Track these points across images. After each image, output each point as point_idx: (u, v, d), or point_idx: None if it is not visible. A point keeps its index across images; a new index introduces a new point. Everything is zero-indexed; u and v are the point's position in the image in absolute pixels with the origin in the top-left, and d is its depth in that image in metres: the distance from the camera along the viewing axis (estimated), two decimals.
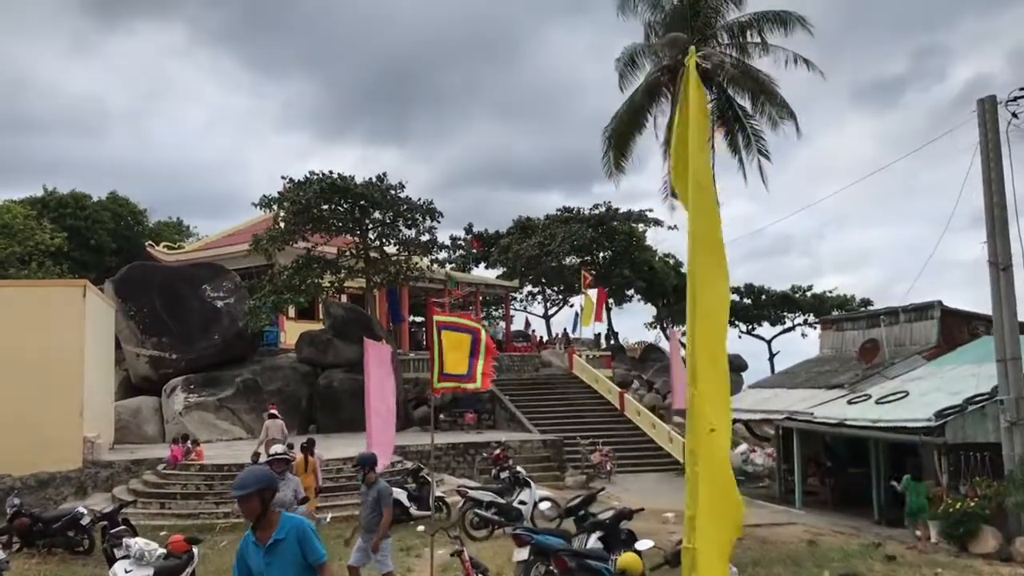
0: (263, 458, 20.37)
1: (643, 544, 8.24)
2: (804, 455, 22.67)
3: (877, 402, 18.81)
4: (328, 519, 17.55)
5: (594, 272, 42.29)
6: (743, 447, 31.36)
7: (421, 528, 16.39)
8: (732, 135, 28.76)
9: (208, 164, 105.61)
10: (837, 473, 22.90)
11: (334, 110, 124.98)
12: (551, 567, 9.06)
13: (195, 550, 9.11)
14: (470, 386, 12.23)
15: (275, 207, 29.88)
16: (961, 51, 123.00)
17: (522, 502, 15.73)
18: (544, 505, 10.26)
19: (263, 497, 5.09)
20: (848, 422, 18.30)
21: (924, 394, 18.08)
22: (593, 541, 9.67)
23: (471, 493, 15.73)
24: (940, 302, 21.63)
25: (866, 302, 50.26)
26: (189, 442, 22.60)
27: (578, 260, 49.26)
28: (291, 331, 37.12)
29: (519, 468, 16.81)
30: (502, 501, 15.65)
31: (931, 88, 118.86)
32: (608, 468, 25.31)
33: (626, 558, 8.12)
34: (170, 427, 29.10)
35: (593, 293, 39.45)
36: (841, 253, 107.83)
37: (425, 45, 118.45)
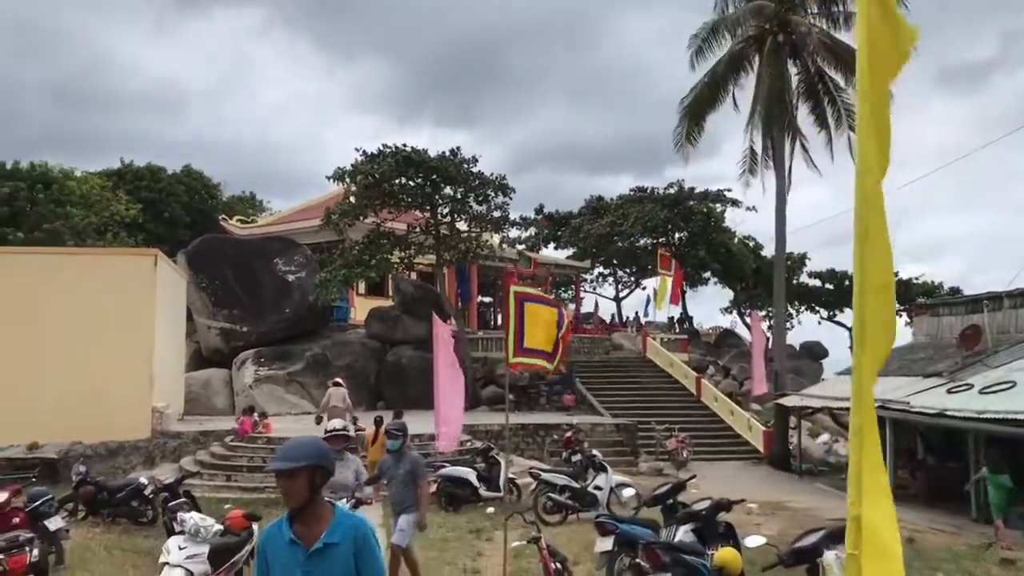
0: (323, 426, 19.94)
1: (753, 540, 7.32)
2: (897, 447, 21.42)
3: (981, 392, 17.45)
4: None
5: (669, 253, 41.04)
6: (824, 436, 30.06)
7: (491, 510, 15.73)
8: (820, 109, 27.33)
9: (283, 143, 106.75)
10: (931, 467, 21.58)
11: (405, 92, 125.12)
12: (637, 559, 8.24)
13: (255, 527, 8.51)
14: (547, 365, 11.40)
15: (348, 180, 29.42)
16: None
17: (597, 487, 14.89)
18: (626, 492, 9.28)
19: (313, 478, 3.73)
20: (949, 412, 16.98)
21: None
22: (683, 533, 8.79)
23: (544, 476, 14.96)
24: None
25: (955, 290, 48.02)
26: (257, 415, 22.32)
27: (651, 241, 48.05)
28: (361, 307, 36.90)
29: (595, 452, 15.96)
30: (577, 485, 14.85)
31: (1019, 72, 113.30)
32: (684, 455, 24.30)
33: (724, 554, 7.26)
34: (240, 400, 29.02)
35: (669, 275, 38.27)
36: (919, 241, 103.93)
37: (496, 28, 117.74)
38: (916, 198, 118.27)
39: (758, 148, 27.54)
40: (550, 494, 14.57)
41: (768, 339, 35.16)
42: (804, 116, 27.62)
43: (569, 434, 21.51)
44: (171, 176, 46.24)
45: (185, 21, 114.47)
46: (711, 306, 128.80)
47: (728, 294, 54.25)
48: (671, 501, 9.25)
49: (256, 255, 33.08)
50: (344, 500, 7.80)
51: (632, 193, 49.28)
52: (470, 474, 16.01)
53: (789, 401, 24.66)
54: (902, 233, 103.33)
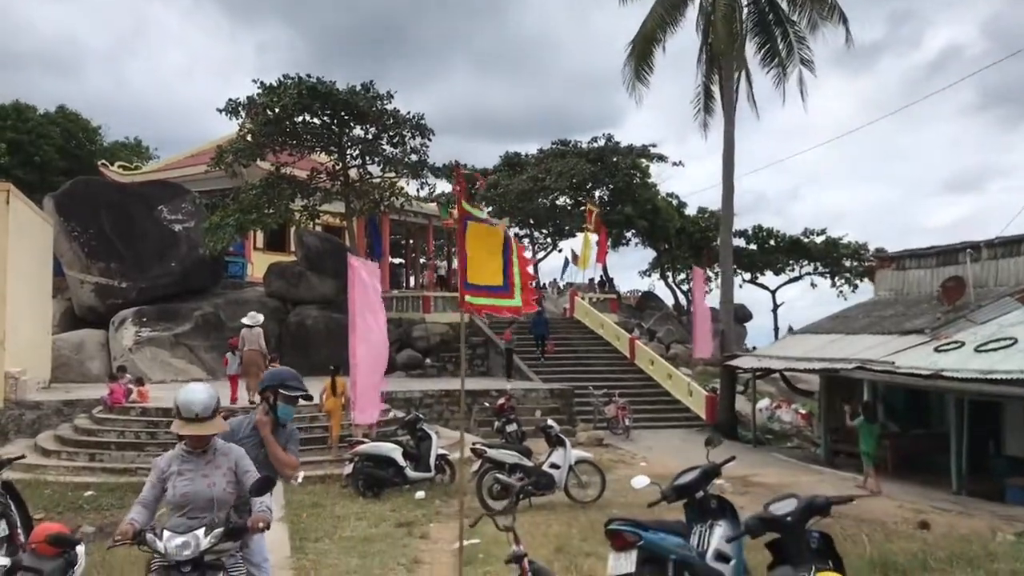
0: (252, 396, 16.64)
1: (639, 481, 6.52)
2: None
3: (977, 350, 15.36)
4: (300, 478, 14.00)
5: (597, 208, 38.34)
6: (765, 401, 28.09)
7: (420, 494, 12.82)
8: (771, 43, 24.89)
9: (182, 105, 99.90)
10: (895, 434, 19.56)
11: (311, 57, 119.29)
12: None
13: (80, 552, 5.43)
14: (508, 304, 8.61)
15: (243, 114, 25.79)
16: (935, 19, 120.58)
17: (554, 465, 12.12)
18: (638, 482, 6.55)
19: None
20: (947, 373, 14.81)
21: None
22: (718, 539, 6.11)
23: (490, 453, 12.06)
24: None
25: (880, 250, 46.62)
26: (130, 379, 18.86)
27: (571, 201, 45.44)
28: (259, 263, 33.38)
29: (550, 421, 13.15)
30: (530, 464, 12.04)
31: (907, 54, 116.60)
32: (626, 423, 21.84)
33: None
34: (118, 364, 25.25)
35: (592, 230, 35.79)
36: (815, 214, 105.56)
37: None
38: (815, 170, 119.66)
39: (714, 86, 25.05)
40: (498, 475, 11.72)
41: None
42: (751, 53, 25.22)
43: (502, 401, 18.79)
44: (42, 116, 41.17)
45: None
46: (628, 269, 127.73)
47: (647, 256, 52.18)
48: (702, 494, 6.50)
49: (138, 202, 29.17)
50: (204, 534, 4.36)
51: (554, 147, 46.41)
52: (395, 451, 13.04)
53: (744, 362, 22.36)
54: (799, 206, 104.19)
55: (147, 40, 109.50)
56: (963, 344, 15.98)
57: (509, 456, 11.93)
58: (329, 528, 10.37)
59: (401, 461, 12.97)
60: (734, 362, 22.78)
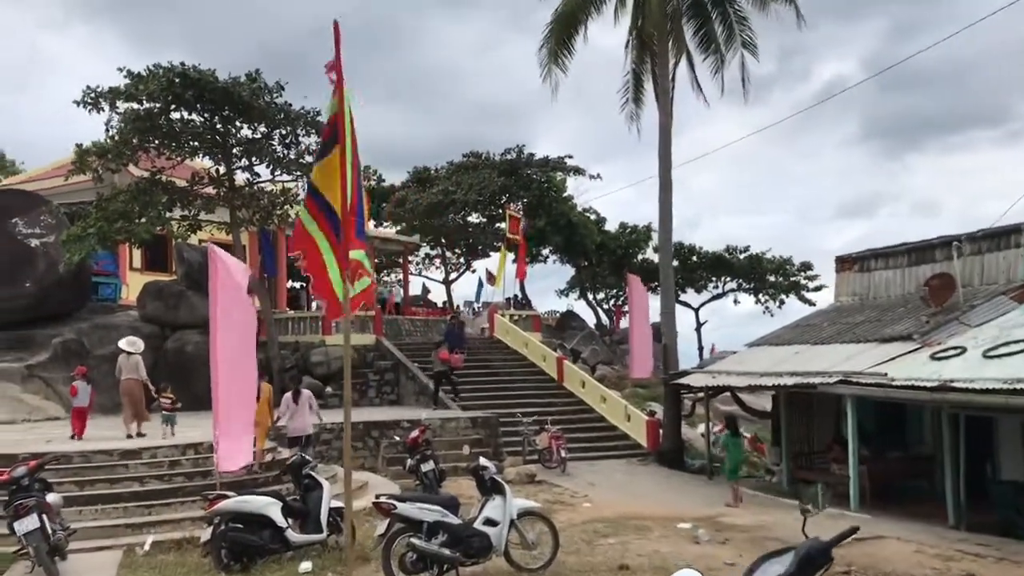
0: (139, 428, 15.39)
1: None
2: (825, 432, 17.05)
3: (986, 356, 12.89)
4: (148, 545, 10.53)
5: (519, 215, 35.28)
6: (703, 426, 25.43)
7: (306, 567, 9.43)
8: (707, 26, 22.42)
9: (79, 137, 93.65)
10: (870, 458, 17.05)
11: None
12: None
13: None
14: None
15: (105, 105, 22.04)
16: (821, 53, 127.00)
17: (490, 521, 8.90)
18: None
19: None
20: (959, 384, 12.24)
21: None
22: None
23: (401, 508, 8.73)
24: None
25: (806, 265, 45.11)
26: None
27: (484, 219, 42.59)
28: (137, 284, 29.38)
29: (484, 461, 9.74)
30: (456, 521, 8.81)
31: (796, 87, 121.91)
32: (561, 455, 18.82)
33: None
34: None
35: (517, 239, 32.98)
36: (716, 239, 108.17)
37: (309, 30, 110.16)
38: (714, 197, 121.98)
39: (645, 76, 22.43)
40: (413, 539, 8.46)
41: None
42: (688, 36, 22.71)
43: (415, 433, 15.46)
44: None
45: None
46: (544, 291, 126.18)
47: (563, 275, 49.66)
48: None
49: None
50: None
51: (465, 159, 43.38)
52: (272, 507, 9.63)
53: (695, 380, 19.55)
54: (702, 230, 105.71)
55: (38, 67, 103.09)
56: (964, 350, 13.50)
57: (428, 512, 8.65)
58: None
59: (280, 520, 9.57)
60: (683, 380, 19.99)
